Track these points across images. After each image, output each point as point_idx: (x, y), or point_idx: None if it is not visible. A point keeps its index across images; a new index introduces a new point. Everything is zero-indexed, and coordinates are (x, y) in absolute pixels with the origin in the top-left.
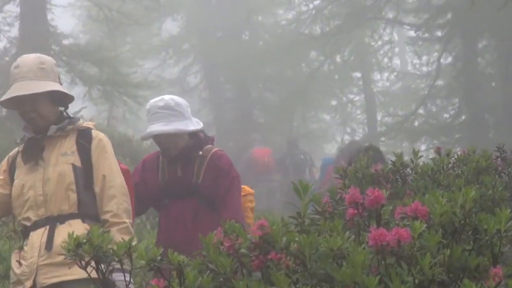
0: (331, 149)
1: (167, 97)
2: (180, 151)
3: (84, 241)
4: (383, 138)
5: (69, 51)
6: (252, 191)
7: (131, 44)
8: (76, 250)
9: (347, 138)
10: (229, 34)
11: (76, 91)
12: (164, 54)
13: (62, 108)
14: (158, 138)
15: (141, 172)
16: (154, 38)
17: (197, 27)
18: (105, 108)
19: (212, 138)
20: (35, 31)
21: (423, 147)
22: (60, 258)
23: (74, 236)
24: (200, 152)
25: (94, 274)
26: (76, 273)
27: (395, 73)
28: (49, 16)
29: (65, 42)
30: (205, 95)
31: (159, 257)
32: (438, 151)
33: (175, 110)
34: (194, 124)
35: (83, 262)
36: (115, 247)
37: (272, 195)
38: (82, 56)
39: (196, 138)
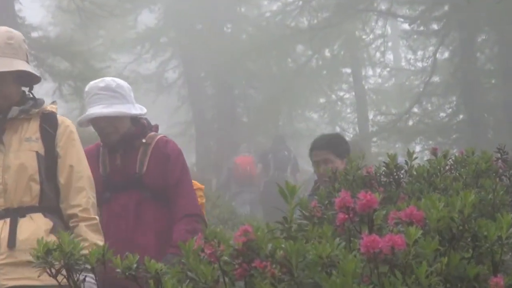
0: None
1: (108, 78)
2: (122, 138)
3: (55, 247)
4: (375, 139)
5: (38, 44)
6: (202, 186)
7: (104, 37)
8: (46, 258)
9: None
10: (210, 27)
11: (46, 87)
12: (140, 48)
13: (26, 88)
14: (97, 122)
15: None
16: (129, 31)
17: (176, 19)
18: (76, 106)
19: (156, 126)
20: (1, 23)
21: (418, 148)
22: (24, 257)
23: (43, 242)
24: (144, 140)
25: (64, 282)
26: (43, 278)
27: (388, 69)
28: (17, 7)
29: (34, 34)
30: (184, 92)
31: (135, 265)
32: (434, 152)
33: (116, 92)
34: (137, 109)
35: (53, 270)
36: (87, 251)
37: (254, 206)
38: (52, 50)
39: (139, 125)
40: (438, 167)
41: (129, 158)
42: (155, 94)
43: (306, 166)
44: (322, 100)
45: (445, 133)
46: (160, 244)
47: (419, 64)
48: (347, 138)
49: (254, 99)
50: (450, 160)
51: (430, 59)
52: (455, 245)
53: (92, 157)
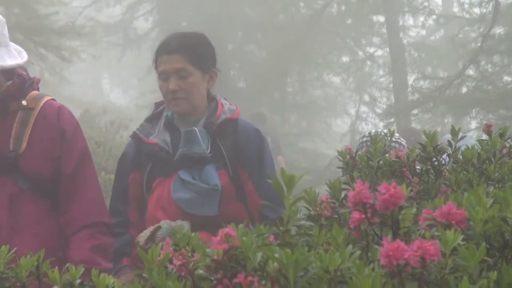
0: (342, 126)
1: None
2: None
3: None
4: (415, 111)
5: None
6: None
7: None
8: None
9: (364, 110)
10: None
11: None
12: None
13: None
14: None
15: None
16: None
17: None
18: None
19: (38, 81)
20: None
21: (473, 124)
22: None
23: None
24: (24, 102)
25: None
26: None
27: (434, 17)
28: None
29: None
30: None
31: (78, 281)
32: (488, 129)
33: None
34: (14, 56)
35: None
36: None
37: None
38: None
39: (18, 80)
40: (493, 150)
41: (0, 130)
42: (121, 50)
43: None
44: (345, 59)
45: (510, 103)
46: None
47: (476, 10)
48: (378, 110)
49: (254, 57)
50: (509, 140)
51: (491, 3)
52: (509, 255)
53: None
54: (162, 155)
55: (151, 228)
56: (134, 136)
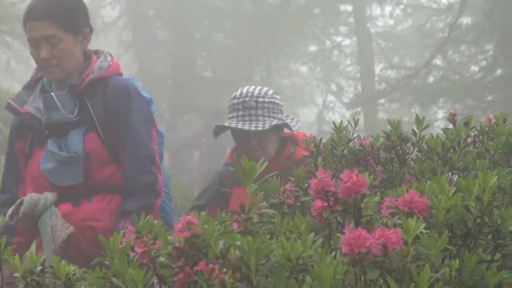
0: (309, 115)
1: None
2: None
3: None
4: (382, 100)
5: None
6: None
7: None
8: None
9: (331, 99)
10: None
11: None
12: None
13: None
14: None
15: None
16: None
17: None
18: None
19: None
20: None
21: (441, 114)
22: None
23: None
24: None
25: None
26: None
27: (401, 6)
28: None
29: None
30: (127, 36)
31: (39, 268)
32: (452, 118)
33: None
34: None
35: None
36: None
37: None
38: None
39: None
40: (457, 139)
41: None
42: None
43: None
44: (313, 48)
45: (477, 93)
46: None
47: (444, 0)
48: (346, 100)
49: (221, 46)
50: (474, 129)
51: None
52: (471, 243)
53: None
54: (35, 124)
55: (16, 203)
56: (8, 106)
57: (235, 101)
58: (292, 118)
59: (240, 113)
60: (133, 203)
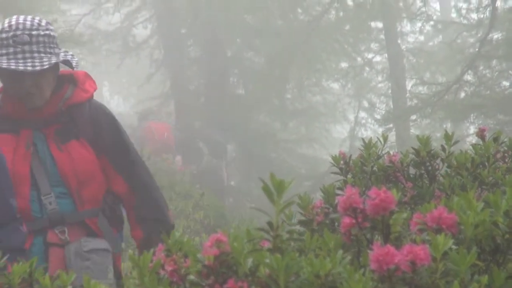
0: (342, 132)
1: None
2: None
3: None
4: (414, 116)
5: None
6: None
7: None
8: None
9: (363, 116)
10: None
11: None
12: None
13: None
14: None
15: None
16: None
17: None
18: None
19: None
20: None
21: (472, 129)
22: None
23: None
24: None
25: None
26: None
27: (431, 23)
28: None
29: None
30: (159, 55)
31: (70, 287)
32: (481, 133)
33: None
34: None
35: None
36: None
37: None
38: None
39: None
40: (486, 155)
41: None
42: (120, 58)
43: None
44: (344, 65)
45: (508, 108)
46: None
47: (474, 16)
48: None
49: (253, 64)
50: (503, 145)
51: (488, 9)
52: (500, 259)
53: None
54: None
55: None
56: None
57: (4, 35)
58: (68, 52)
59: (11, 49)
60: None
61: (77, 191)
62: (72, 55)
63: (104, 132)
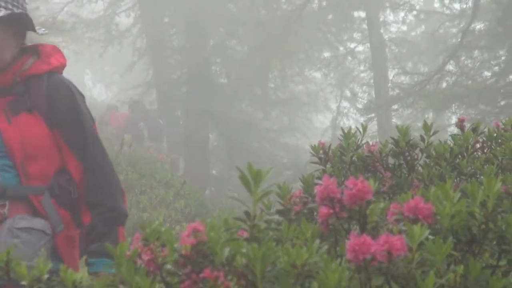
0: (324, 121)
1: None
2: None
3: None
4: (396, 106)
5: None
6: None
7: None
8: None
9: (345, 105)
10: None
11: None
12: None
13: None
14: None
15: None
16: None
17: None
18: None
19: None
20: None
21: (453, 119)
22: None
23: None
24: None
25: None
26: None
27: (414, 12)
28: None
29: None
30: (141, 43)
31: (46, 276)
32: (460, 124)
33: None
34: None
35: None
36: None
37: None
38: None
39: None
40: (465, 145)
41: None
42: (103, 46)
43: None
44: (326, 55)
45: (489, 98)
46: None
47: (457, 6)
48: (359, 106)
49: (236, 53)
50: (482, 135)
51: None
52: (476, 249)
53: None
54: None
55: None
56: None
57: None
58: (40, 28)
59: None
60: None
61: (22, 165)
62: (44, 30)
63: (59, 107)
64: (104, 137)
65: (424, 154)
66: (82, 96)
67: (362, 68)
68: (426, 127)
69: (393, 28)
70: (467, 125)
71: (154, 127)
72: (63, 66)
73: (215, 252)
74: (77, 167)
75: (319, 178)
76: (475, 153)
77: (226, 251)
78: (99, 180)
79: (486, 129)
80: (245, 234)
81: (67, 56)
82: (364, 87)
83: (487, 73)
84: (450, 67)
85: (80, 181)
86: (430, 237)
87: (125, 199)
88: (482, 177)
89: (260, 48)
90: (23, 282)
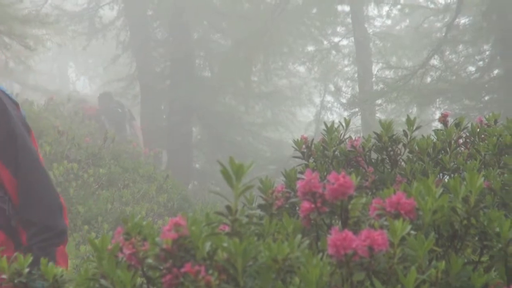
0: (308, 115)
1: None
2: None
3: None
4: (380, 101)
5: None
6: None
7: None
8: None
9: (329, 99)
10: None
11: None
12: None
13: None
14: None
15: None
16: None
17: None
18: None
19: None
20: None
21: (438, 114)
22: None
23: None
24: None
25: None
26: None
27: (398, 7)
28: None
29: None
30: (125, 36)
31: (27, 270)
32: (443, 119)
33: None
34: None
35: None
36: None
37: None
38: None
39: None
40: (448, 140)
41: None
42: (86, 39)
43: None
44: (310, 49)
45: (474, 93)
46: None
47: (441, 0)
48: (343, 100)
49: (219, 46)
50: (465, 130)
51: None
52: (457, 245)
53: None
54: None
55: None
56: None
57: None
58: None
59: None
60: None
61: None
62: None
63: None
64: (88, 131)
65: (407, 149)
66: (16, 104)
67: (346, 62)
68: (409, 122)
69: (377, 23)
70: (451, 120)
71: (113, 117)
72: None
73: (196, 246)
74: (11, 182)
75: (302, 172)
76: (458, 148)
77: (208, 245)
78: (33, 196)
79: (469, 125)
80: (227, 229)
81: (51, 49)
82: (348, 81)
83: (472, 68)
84: (435, 61)
85: (15, 198)
86: (412, 232)
87: (65, 214)
88: (465, 172)
89: (243, 42)
90: (4, 276)
